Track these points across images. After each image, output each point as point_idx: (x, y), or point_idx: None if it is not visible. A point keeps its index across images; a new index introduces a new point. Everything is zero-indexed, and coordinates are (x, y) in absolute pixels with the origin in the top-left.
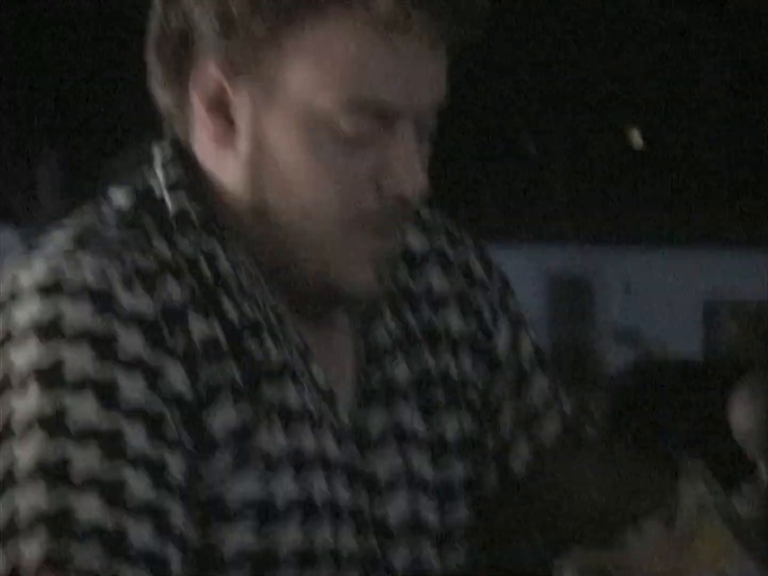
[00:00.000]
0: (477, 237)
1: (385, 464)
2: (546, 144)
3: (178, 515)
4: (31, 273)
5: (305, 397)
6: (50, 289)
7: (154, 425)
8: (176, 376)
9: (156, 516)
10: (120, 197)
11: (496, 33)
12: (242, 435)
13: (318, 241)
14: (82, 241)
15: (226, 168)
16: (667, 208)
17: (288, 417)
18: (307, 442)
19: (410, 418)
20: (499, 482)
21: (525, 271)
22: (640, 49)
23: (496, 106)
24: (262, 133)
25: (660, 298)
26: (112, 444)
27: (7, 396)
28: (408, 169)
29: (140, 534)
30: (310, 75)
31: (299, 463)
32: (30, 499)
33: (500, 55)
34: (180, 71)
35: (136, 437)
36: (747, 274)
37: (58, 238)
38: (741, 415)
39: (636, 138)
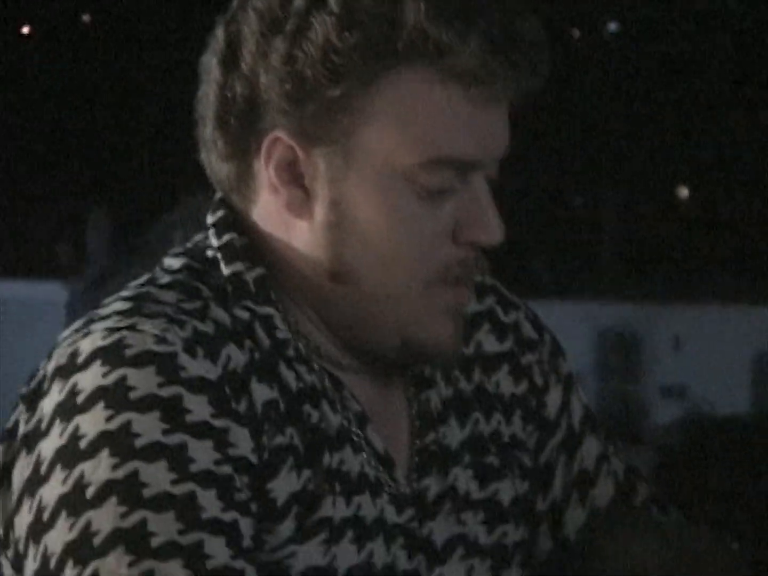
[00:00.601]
0: (527, 292)
1: (442, 529)
2: (596, 200)
3: (251, 570)
4: (93, 340)
5: (363, 463)
6: (113, 355)
7: (225, 489)
8: (242, 441)
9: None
10: (174, 263)
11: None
12: (304, 501)
13: (399, 298)
14: (140, 308)
15: (298, 236)
16: (716, 265)
17: (348, 483)
18: (367, 508)
19: (465, 482)
20: (552, 545)
21: (574, 327)
22: (691, 107)
23: (548, 163)
24: (341, 197)
25: (709, 354)
26: (186, 509)
27: (77, 463)
28: (486, 218)
29: None
30: (389, 135)
31: (360, 530)
32: (111, 566)
33: (551, 109)
34: (244, 142)
35: (209, 501)
36: None
37: (117, 306)
38: None
39: (684, 195)
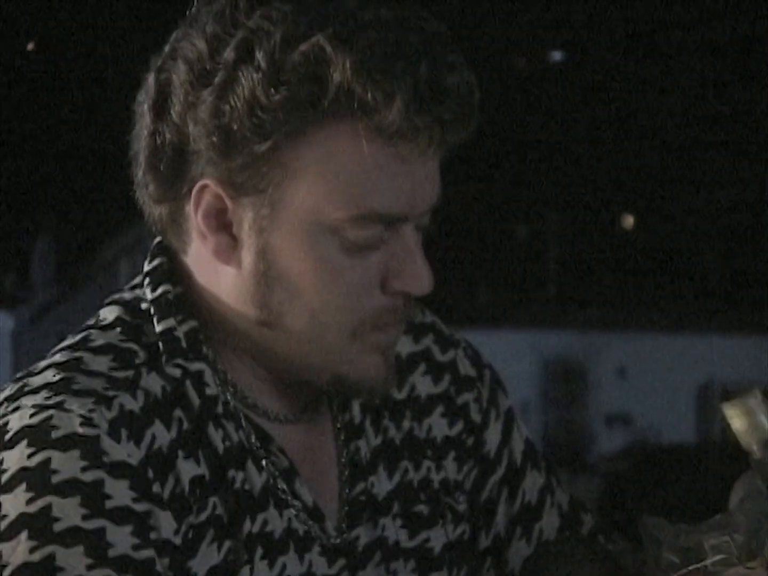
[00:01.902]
0: (472, 322)
1: None
2: (540, 230)
3: None
4: (21, 416)
5: (291, 518)
6: (39, 435)
7: (142, 574)
8: (165, 524)
9: None
10: (109, 315)
11: (492, 118)
12: (224, 574)
13: (329, 343)
14: (70, 383)
15: (227, 282)
16: (661, 294)
17: (271, 545)
18: (292, 567)
19: (394, 531)
20: None
21: (519, 356)
22: (637, 136)
23: (491, 192)
24: (268, 246)
25: (654, 383)
26: None
27: None
28: (415, 270)
29: None
30: (317, 190)
31: None
32: None
33: (495, 138)
34: (175, 186)
35: None
36: (740, 359)
37: (48, 376)
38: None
39: (629, 223)
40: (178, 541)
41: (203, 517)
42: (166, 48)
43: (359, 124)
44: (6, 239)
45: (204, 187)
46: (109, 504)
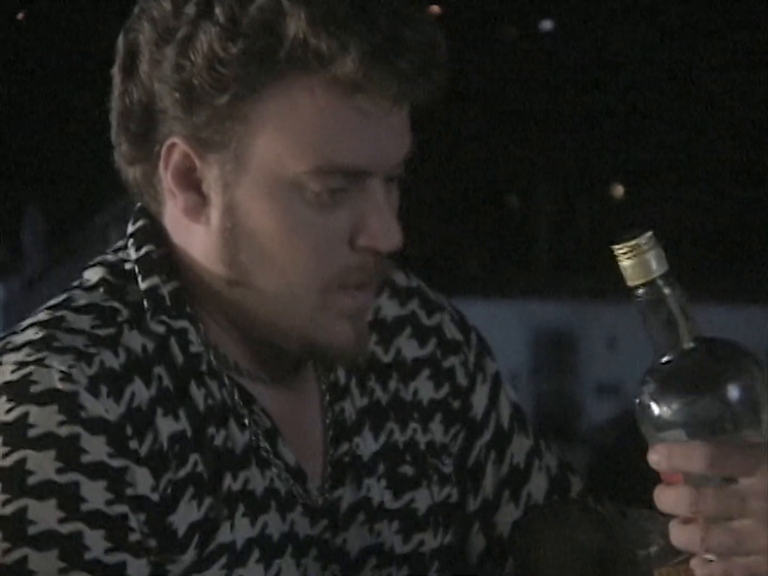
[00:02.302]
0: (462, 292)
1: (355, 540)
2: (531, 199)
3: None
4: (2, 372)
5: (274, 477)
6: (18, 391)
7: (115, 530)
8: (141, 480)
9: None
10: (93, 276)
11: (483, 88)
12: (205, 529)
13: (297, 303)
14: (52, 340)
15: (198, 241)
16: None
17: (253, 503)
18: (274, 525)
19: (379, 492)
20: (486, 544)
21: (510, 326)
22: (627, 106)
23: (482, 162)
24: (234, 203)
25: (643, 353)
26: (70, 548)
27: None
28: (381, 224)
29: None
30: (278, 143)
31: (266, 548)
32: None
33: (485, 108)
34: (147, 146)
35: (95, 542)
36: (728, 329)
37: (30, 335)
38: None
39: (620, 193)
40: (155, 497)
41: (183, 473)
42: (135, 9)
43: (316, 76)
44: None
45: (172, 145)
46: (84, 459)
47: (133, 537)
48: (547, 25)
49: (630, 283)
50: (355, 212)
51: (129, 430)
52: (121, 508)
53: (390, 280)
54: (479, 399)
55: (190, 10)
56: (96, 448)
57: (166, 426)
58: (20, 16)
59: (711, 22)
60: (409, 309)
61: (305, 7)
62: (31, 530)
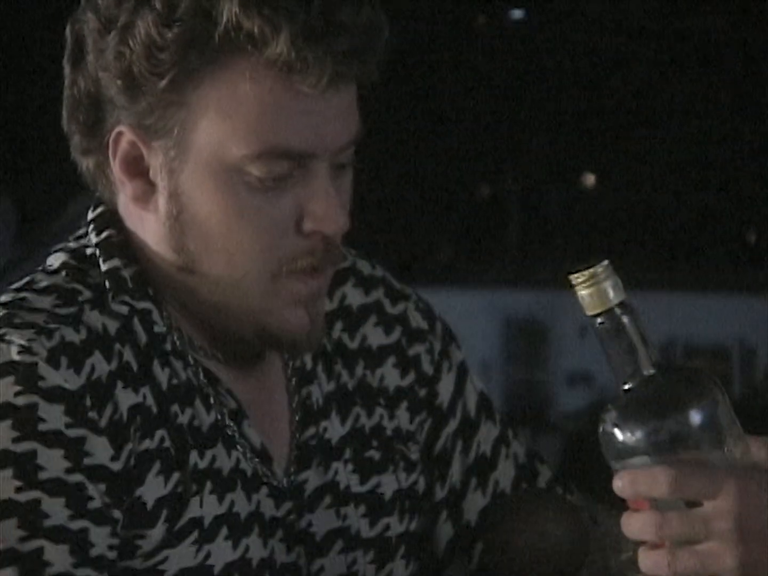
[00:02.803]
0: (432, 281)
1: (321, 522)
2: (501, 187)
3: None
4: None
5: (240, 457)
6: None
7: (75, 498)
8: (100, 449)
9: None
10: (55, 262)
11: (452, 77)
12: (173, 505)
13: (246, 289)
14: (12, 318)
15: (149, 228)
16: (622, 253)
17: (220, 481)
18: (241, 504)
19: (345, 476)
20: (453, 532)
21: (480, 315)
22: (598, 93)
23: (451, 149)
24: (179, 189)
25: None
26: (29, 516)
27: None
28: (326, 208)
29: None
30: (219, 128)
31: (234, 526)
32: None
33: (455, 97)
34: (97, 136)
35: (55, 509)
36: (701, 318)
37: None
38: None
39: (590, 180)
40: (117, 467)
41: (147, 446)
42: (82, 0)
43: (251, 58)
44: None
45: (119, 134)
46: (41, 427)
47: (93, 504)
48: (517, 13)
49: (588, 312)
50: (301, 197)
51: (88, 401)
52: (80, 477)
53: (355, 269)
54: (445, 387)
55: None
56: (53, 417)
57: (126, 398)
58: None
59: (684, 11)
60: (374, 297)
61: None
62: None
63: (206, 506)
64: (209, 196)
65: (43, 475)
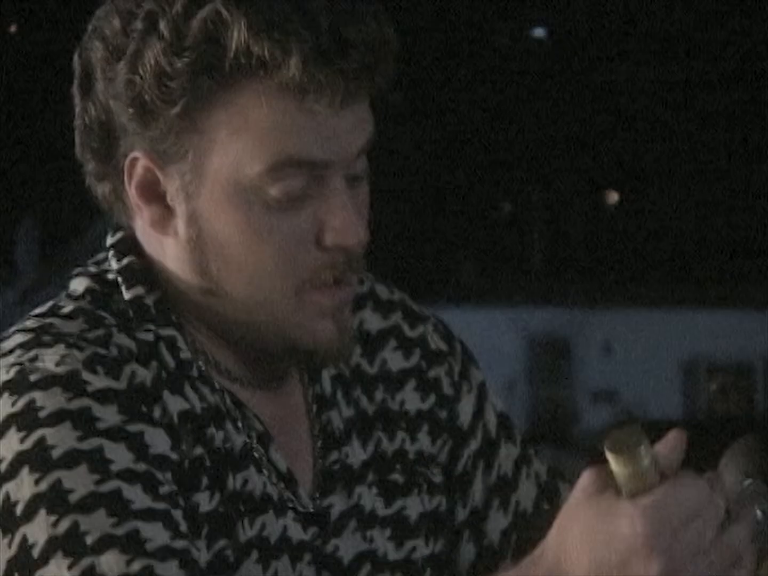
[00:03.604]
0: (457, 299)
1: (348, 546)
2: (525, 206)
3: (197, 554)
4: None
5: (266, 482)
6: (18, 384)
7: (149, 484)
8: (159, 440)
9: (180, 554)
10: (78, 287)
11: (475, 96)
12: (214, 524)
13: (272, 307)
14: (40, 340)
15: (169, 253)
16: (646, 270)
17: (252, 503)
18: (271, 527)
19: (370, 500)
20: (476, 553)
21: (504, 333)
22: (620, 111)
23: (476, 168)
24: (197, 213)
25: (639, 358)
26: (115, 504)
27: (1, 485)
28: (345, 221)
29: (169, 572)
30: (232, 149)
31: (265, 549)
32: (53, 573)
33: (478, 114)
34: (111, 162)
35: (136, 495)
36: (725, 335)
37: (18, 339)
38: (732, 475)
39: (613, 198)
40: (175, 457)
41: (197, 455)
42: (89, 28)
43: (262, 82)
44: None
45: (134, 160)
46: (100, 425)
47: (165, 489)
48: (539, 32)
49: (625, 492)
50: (319, 211)
51: (138, 399)
52: (146, 466)
53: (373, 294)
54: (465, 408)
55: (138, 26)
56: (109, 416)
57: (174, 403)
58: (11, 29)
59: (708, 28)
60: (392, 321)
61: (246, 15)
62: (72, 498)
63: (241, 528)
64: (227, 218)
65: (114, 467)
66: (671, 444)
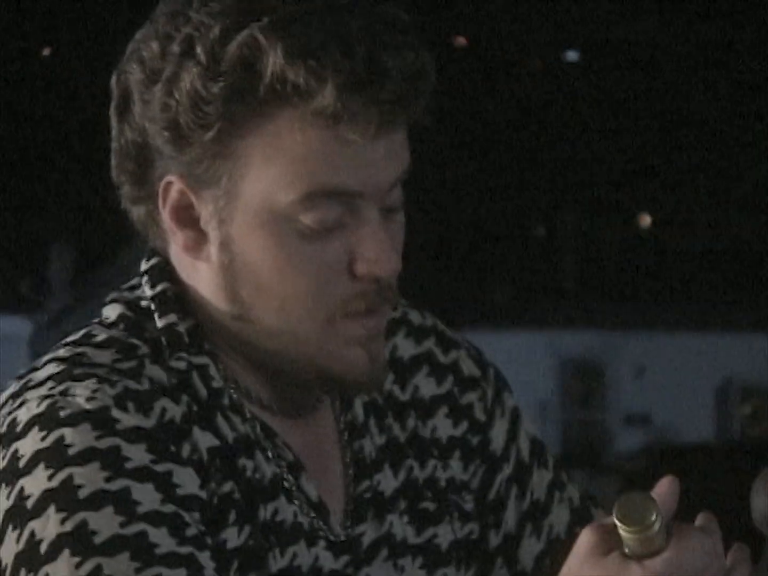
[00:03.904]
0: (489, 323)
1: (379, 574)
2: (558, 229)
3: None
4: (28, 409)
5: (297, 511)
6: (48, 419)
7: (175, 527)
8: (188, 480)
9: None
10: (111, 314)
11: (508, 119)
12: (244, 558)
13: (303, 335)
14: (72, 372)
15: (202, 278)
16: (679, 294)
17: (283, 533)
18: (302, 557)
19: (401, 528)
20: None
21: (537, 356)
22: (654, 135)
23: (509, 192)
24: (230, 238)
25: (672, 382)
26: (140, 547)
27: (27, 522)
28: (377, 250)
29: None
30: (265, 176)
31: None
32: None
33: (512, 138)
34: (146, 185)
35: (162, 539)
36: (758, 358)
37: (50, 370)
38: (763, 499)
39: (646, 221)
40: (205, 496)
41: (226, 491)
42: (128, 49)
43: (297, 109)
44: (23, 243)
45: (169, 183)
46: (129, 465)
47: (191, 531)
48: (572, 55)
49: (635, 556)
50: (352, 241)
51: (167, 437)
52: (174, 507)
53: (406, 320)
54: (498, 434)
55: (175, 49)
56: (138, 456)
57: (204, 439)
58: (46, 51)
59: (744, 53)
60: (425, 347)
61: (282, 41)
62: (97, 540)
63: (272, 559)
64: (260, 245)
65: (141, 509)
66: (665, 491)
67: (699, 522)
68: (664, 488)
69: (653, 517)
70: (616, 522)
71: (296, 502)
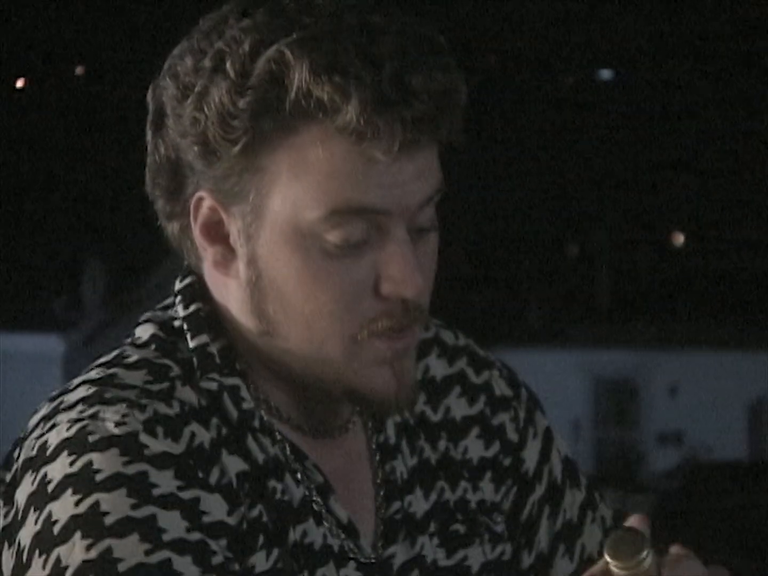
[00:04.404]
0: (523, 341)
1: None
2: (591, 248)
3: None
4: (58, 432)
5: (326, 533)
6: (77, 444)
7: (200, 555)
8: (215, 507)
9: None
10: (144, 334)
11: (542, 137)
12: None
13: (328, 352)
14: (103, 395)
15: (232, 295)
16: (712, 312)
17: (312, 556)
18: None
19: (431, 550)
20: None
21: (570, 375)
22: (688, 154)
23: (542, 210)
24: (257, 255)
25: (705, 400)
26: (163, 575)
27: (53, 548)
28: (403, 271)
29: None
30: (292, 193)
31: None
32: None
33: (545, 157)
34: (180, 201)
35: (186, 567)
36: None
37: (81, 393)
38: None
39: (680, 241)
40: (233, 522)
41: (255, 516)
42: (165, 66)
43: (322, 125)
44: (57, 262)
45: (200, 199)
46: (155, 492)
47: (217, 560)
48: (606, 73)
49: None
50: (378, 260)
51: (195, 464)
52: (200, 535)
53: (439, 340)
54: (530, 454)
55: (206, 64)
56: (165, 482)
57: (233, 464)
58: (78, 71)
59: None
60: (457, 367)
61: (309, 57)
62: (121, 567)
63: None
64: (285, 262)
65: (167, 537)
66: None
67: (675, 552)
68: (636, 525)
69: (644, 552)
70: (608, 560)
71: (326, 523)
